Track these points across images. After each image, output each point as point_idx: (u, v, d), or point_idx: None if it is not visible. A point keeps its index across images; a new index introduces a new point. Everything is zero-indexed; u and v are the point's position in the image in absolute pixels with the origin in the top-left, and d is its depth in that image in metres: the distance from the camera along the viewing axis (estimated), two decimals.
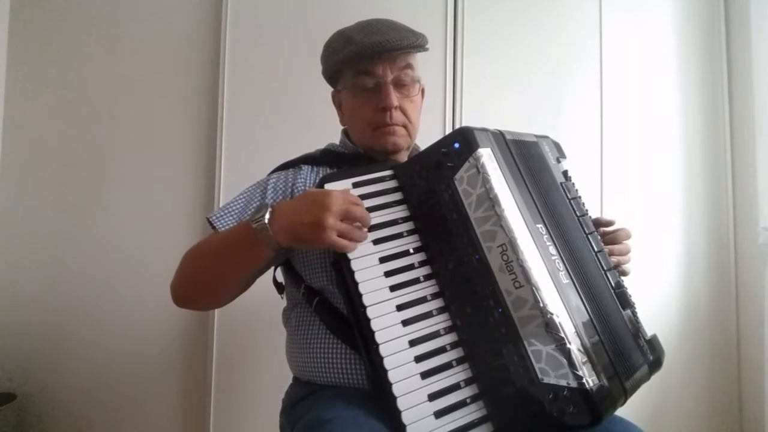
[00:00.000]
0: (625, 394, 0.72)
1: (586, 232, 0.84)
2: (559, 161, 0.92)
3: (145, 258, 1.55)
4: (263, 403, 1.47)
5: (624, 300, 0.82)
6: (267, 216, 0.75)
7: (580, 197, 0.88)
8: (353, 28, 0.96)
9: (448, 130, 1.56)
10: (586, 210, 0.87)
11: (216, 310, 1.50)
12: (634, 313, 0.82)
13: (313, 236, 0.73)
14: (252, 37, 1.57)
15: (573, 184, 0.89)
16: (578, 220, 0.85)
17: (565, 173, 0.90)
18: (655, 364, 0.80)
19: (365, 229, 0.77)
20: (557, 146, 0.94)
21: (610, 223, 0.94)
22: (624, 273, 0.91)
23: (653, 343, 0.82)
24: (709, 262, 1.66)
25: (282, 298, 1.02)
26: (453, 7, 1.60)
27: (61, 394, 1.54)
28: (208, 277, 0.87)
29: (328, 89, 1.64)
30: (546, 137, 0.93)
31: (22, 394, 1.50)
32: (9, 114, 1.60)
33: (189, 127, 1.59)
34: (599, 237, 0.86)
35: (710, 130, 1.70)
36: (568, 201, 0.86)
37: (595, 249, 0.83)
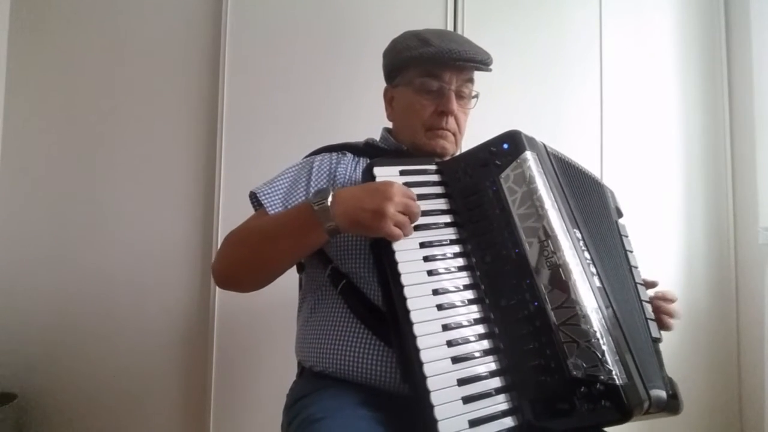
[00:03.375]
0: (650, 401, 0.72)
1: (630, 264, 0.91)
2: (617, 211, 1.02)
3: (145, 258, 1.55)
4: (263, 402, 1.48)
5: (653, 330, 0.87)
6: (329, 199, 0.77)
7: (628, 237, 0.97)
8: (428, 32, 0.99)
9: None
10: (632, 249, 0.96)
11: (216, 308, 1.51)
12: (659, 349, 0.87)
13: (372, 223, 0.76)
14: (252, 37, 1.57)
15: (624, 227, 0.99)
16: (625, 253, 0.92)
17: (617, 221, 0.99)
18: (672, 403, 0.81)
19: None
20: (615, 199, 1.04)
21: (653, 284, 0.98)
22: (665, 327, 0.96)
23: (674, 383, 0.85)
24: (709, 262, 1.66)
25: (300, 276, 1.02)
26: (453, 9, 1.60)
27: (61, 393, 1.54)
28: (259, 259, 0.87)
29: (328, 88, 1.64)
30: (608, 188, 1.03)
31: (22, 394, 1.50)
32: (9, 114, 1.60)
33: (189, 127, 1.59)
34: (643, 282, 0.94)
35: (710, 130, 1.70)
36: (619, 235, 0.94)
37: (636, 280, 0.90)
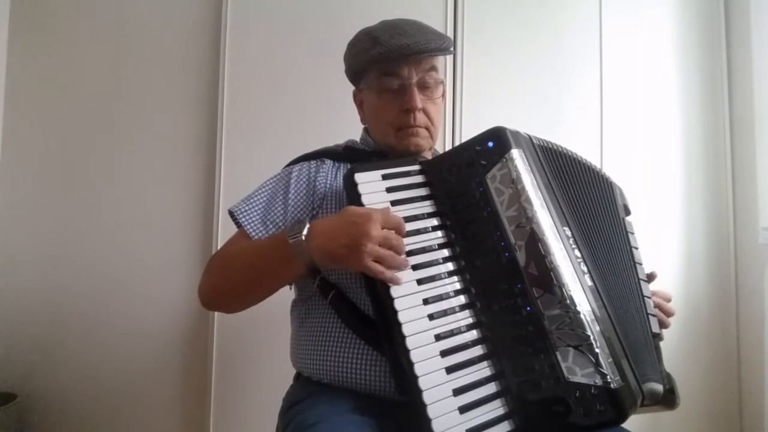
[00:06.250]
0: (643, 396, 0.73)
1: (635, 260, 0.89)
2: (625, 208, 0.97)
3: (145, 258, 1.55)
4: (263, 403, 1.47)
5: (653, 325, 0.85)
6: (304, 232, 0.76)
7: (634, 234, 0.93)
8: (379, 28, 0.96)
9: (448, 130, 1.56)
10: (637, 246, 0.93)
11: None
12: (659, 344, 0.86)
13: (348, 259, 0.74)
14: (252, 37, 1.57)
15: (630, 224, 0.95)
16: (630, 250, 0.89)
17: (624, 219, 0.95)
18: (668, 397, 0.81)
19: (403, 256, 0.75)
20: (624, 196, 0.99)
21: (652, 276, 0.96)
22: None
23: (672, 378, 0.85)
24: (709, 262, 1.66)
25: (290, 289, 1.01)
26: (453, 7, 1.60)
27: (61, 393, 1.54)
28: (240, 288, 0.88)
29: (327, 89, 1.64)
30: (617, 185, 0.98)
31: (22, 394, 1.50)
32: (8, 114, 1.60)
33: (189, 127, 1.59)
34: (646, 278, 0.91)
35: (710, 130, 1.70)
36: (623, 228, 0.91)
37: (639, 276, 0.88)
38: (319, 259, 0.77)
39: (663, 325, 0.93)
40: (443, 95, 1.00)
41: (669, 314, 0.96)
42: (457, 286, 0.77)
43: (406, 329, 0.71)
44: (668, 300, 0.97)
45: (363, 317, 0.84)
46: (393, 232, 0.75)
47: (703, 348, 1.63)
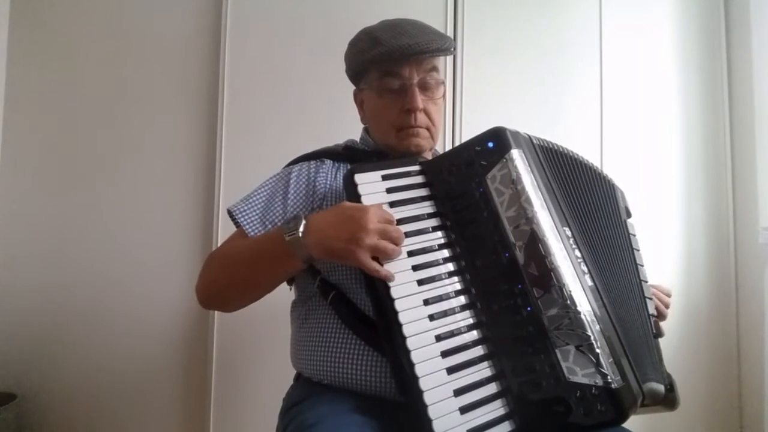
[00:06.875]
0: (643, 396, 0.73)
1: (636, 262, 0.89)
2: (626, 210, 0.96)
3: (145, 257, 1.55)
4: (263, 403, 1.47)
5: (654, 328, 0.86)
6: (301, 228, 0.76)
7: (635, 236, 0.93)
8: (380, 28, 0.95)
9: (448, 130, 1.56)
10: (639, 248, 0.92)
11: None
12: (659, 345, 0.86)
13: (346, 254, 0.74)
14: (252, 37, 1.57)
15: (632, 226, 0.94)
16: (631, 251, 0.89)
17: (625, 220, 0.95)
18: (669, 396, 0.81)
19: (400, 248, 0.76)
20: (625, 198, 0.98)
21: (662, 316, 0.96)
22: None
23: (672, 379, 0.85)
24: (709, 262, 1.66)
25: (291, 289, 1.01)
26: (453, 7, 1.60)
27: (61, 393, 1.54)
28: (238, 285, 0.87)
29: (328, 88, 1.64)
30: (619, 187, 0.97)
31: (22, 394, 1.50)
32: (9, 114, 1.60)
33: (189, 127, 1.59)
34: (647, 279, 0.91)
35: (710, 130, 1.70)
36: (624, 229, 0.91)
37: (641, 278, 0.88)
38: (316, 254, 0.77)
39: (661, 315, 0.93)
40: (444, 96, 1.00)
41: (667, 295, 0.97)
42: (458, 286, 0.77)
43: (406, 330, 0.71)
44: (668, 294, 0.98)
45: (363, 318, 0.84)
46: (389, 222, 0.76)
47: (703, 348, 1.63)
